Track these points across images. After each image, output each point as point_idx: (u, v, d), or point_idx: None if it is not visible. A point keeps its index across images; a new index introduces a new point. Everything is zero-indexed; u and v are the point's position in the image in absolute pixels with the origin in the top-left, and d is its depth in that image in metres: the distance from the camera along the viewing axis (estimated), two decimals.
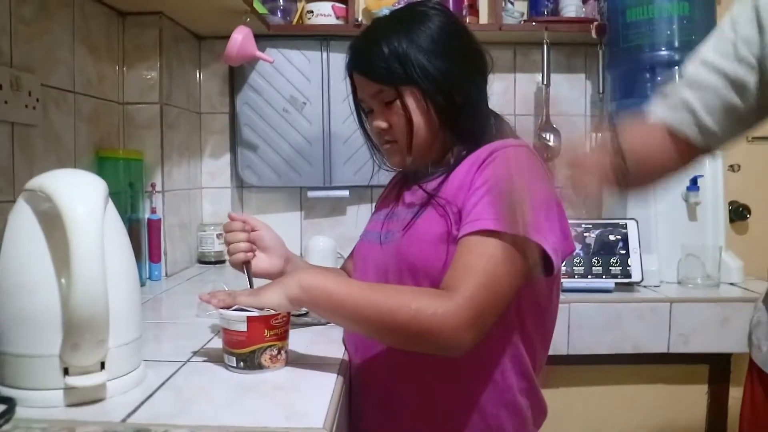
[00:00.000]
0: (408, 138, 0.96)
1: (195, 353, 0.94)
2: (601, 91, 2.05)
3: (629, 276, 1.61)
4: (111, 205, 0.76)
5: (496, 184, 0.86)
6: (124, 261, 0.77)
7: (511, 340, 0.92)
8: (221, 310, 0.86)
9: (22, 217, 0.73)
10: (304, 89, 2.06)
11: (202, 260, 1.96)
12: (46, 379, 0.71)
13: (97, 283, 0.67)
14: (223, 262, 1.95)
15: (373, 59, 0.95)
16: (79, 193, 0.70)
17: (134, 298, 0.79)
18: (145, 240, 1.63)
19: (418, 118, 0.95)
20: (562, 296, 1.59)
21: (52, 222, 0.70)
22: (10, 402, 0.70)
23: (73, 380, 0.71)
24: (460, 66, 0.96)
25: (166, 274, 1.71)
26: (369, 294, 0.81)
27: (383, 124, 0.98)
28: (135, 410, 0.71)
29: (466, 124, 0.97)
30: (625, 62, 1.85)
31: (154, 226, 1.66)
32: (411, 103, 0.95)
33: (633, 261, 1.62)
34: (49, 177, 0.72)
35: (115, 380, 0.75)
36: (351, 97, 1.06)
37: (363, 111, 1.05)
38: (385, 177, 1.18)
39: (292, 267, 1.09)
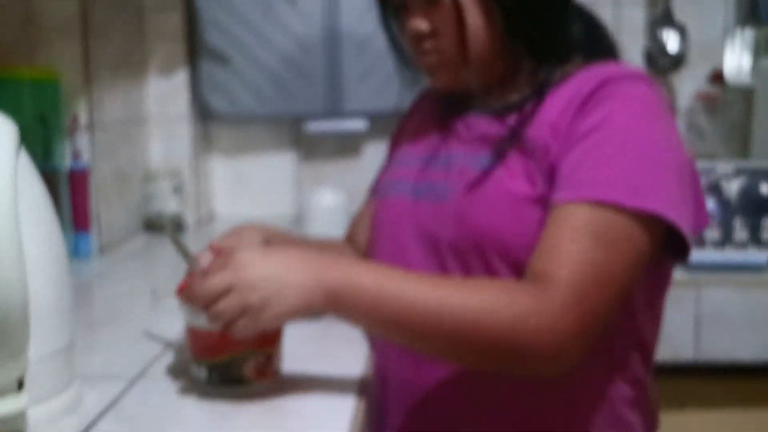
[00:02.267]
0: (460, 46, 0.98)
1: (150, 365, 0.98)
2: None
3: None
4: (24, 155, 0.79)
5: (612, 133, 0.88)
6: (47, 235, 0.80)
7: (621, 344, 0.96)
8: (183, 301, 0.88)
9: None
10: None
11: (151, 225, 2.01)
12: None
13: (12, 270, 0.70)
14: (180, 227, 2.00)
15: None
16: None
17: (62, 289, 0.82)
18: (66, 200, 1.66)
19: (475, 17, 0.97)
20: (689, 276, 1.58)
21: None
22: None
23: None
24: None
25: (101, 249, 1.76)
26: (437, 294, 0.82)
27: (423, 25, 1.00)
28: None
29: (545, 27, 0.99)
30: None
31: (78, 180, 1.69)
32: None
33: None
34: None
35: (39, 405, 0.78)
36: None
37: (391, 7, 1.07)
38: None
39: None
